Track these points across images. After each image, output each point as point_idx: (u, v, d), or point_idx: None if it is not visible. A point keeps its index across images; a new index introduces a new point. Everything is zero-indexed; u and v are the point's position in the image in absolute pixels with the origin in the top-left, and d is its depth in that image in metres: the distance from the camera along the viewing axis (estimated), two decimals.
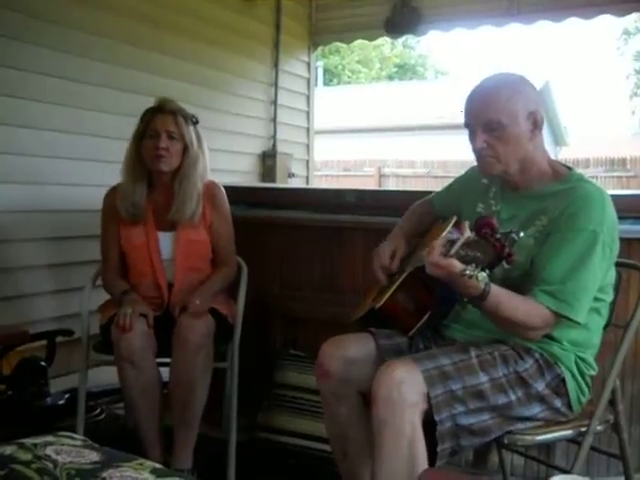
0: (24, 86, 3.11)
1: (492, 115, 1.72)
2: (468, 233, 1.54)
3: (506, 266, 1.57)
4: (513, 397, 1.70)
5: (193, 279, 2.48)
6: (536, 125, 1.74)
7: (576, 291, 1.66)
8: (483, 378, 1.68)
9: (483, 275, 1.52)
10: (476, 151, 1.77)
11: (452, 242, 1.55)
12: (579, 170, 1.86)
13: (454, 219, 1.82)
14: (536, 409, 1.73)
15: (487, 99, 1.75)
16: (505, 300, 1.64)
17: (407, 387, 1.60)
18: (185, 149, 2.45)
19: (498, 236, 1.51)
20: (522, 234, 1.61)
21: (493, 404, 1.67)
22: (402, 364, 1.65)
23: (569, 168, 1.83)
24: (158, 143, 2.40)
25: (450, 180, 2.13)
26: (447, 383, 1.63)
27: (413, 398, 1.60)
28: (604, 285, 1.78)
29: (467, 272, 1.51)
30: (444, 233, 1.67)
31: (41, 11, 3.17)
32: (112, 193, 2.52)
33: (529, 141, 1.75)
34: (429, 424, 1.61)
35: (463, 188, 2.01)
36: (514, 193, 1.83)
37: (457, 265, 1.53)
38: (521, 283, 1.71)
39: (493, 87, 1.77)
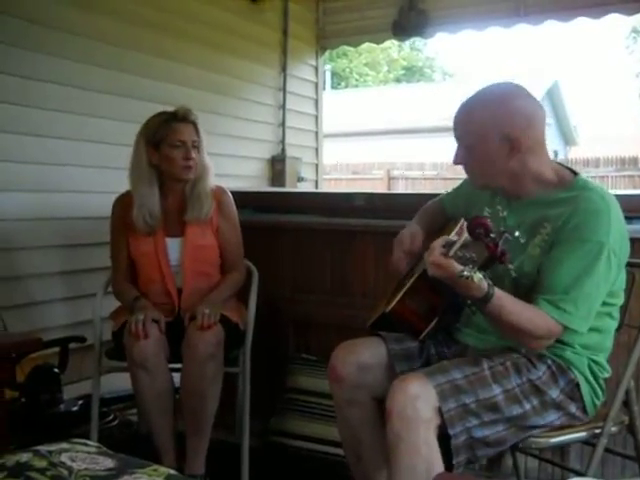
0: (26, 93, 3.11)
1: (463, 135, 1.77)
2: (465, 234, 1.55)
3: (500, 265, 1.58)
4: (528, 407, 1.68)
5: (202, 284, 2.48)
6: (514, 147, 1.71)
7: (578, 301, 1.64)
8: (497, 390, 1.67)
9: (479, 276, 1.53)
10: (455, 164, 1.83)
11: (452, 243, 1.55)
12: (588, 170, 1.86)
13: (462, 221, 1.82)
14: (552, 416, 1.72)
15: (463, 118, 1.78)
16: (508, 304, 1.63)
17: (421, 403, 1.59)
18: (200, 155, 2.47)
19: (492, 236, 1.51)
20: (517, 233, 1.62)
21: (508, 415, 1.66)
22: (415, 379, 1.63)
23: (575, 173, 1.81)
24: (189, 154, 2.40)
25: (460, 181, 2.12)
26: (460, 397, 1.62)
27: (427, 414, 1.59)
28: (615, 290, 1.76)
29: (464, 273, 1.52)
30: (451, 234, 1.67)
31: (42, 17, 3.17)
32: (121, 200, 2.52)
33: (508, 160, 1.73)
34: (444, 437, 1.60)
35: (471, 189, 2.00)
36: (518, 200, 1.81)
37: (456, 266, 1.53)
38: (530, 293, 1.69)
39: (471, 106, 1.77)
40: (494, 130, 1.71)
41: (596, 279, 1.65)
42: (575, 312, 1.64)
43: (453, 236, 1.61)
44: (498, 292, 1.60)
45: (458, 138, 1.79)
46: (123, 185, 2.52)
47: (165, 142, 2.41)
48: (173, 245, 2.49)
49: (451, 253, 1.53)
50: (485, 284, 1.57)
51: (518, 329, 1.65)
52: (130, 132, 2.51)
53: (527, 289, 1.71)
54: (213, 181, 2.53)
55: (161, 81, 3.80)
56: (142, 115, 2.53)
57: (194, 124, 2.45)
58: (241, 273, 2.57)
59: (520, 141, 1.70)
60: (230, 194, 2.58)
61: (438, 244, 1.58)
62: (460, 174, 1.89)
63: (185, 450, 2.32)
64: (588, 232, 1.65)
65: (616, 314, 1.81)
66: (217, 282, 2.52)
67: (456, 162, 1.81)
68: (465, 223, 1.75)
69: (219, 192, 2.54)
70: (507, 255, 1.53)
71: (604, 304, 1.73)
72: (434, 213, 2.12)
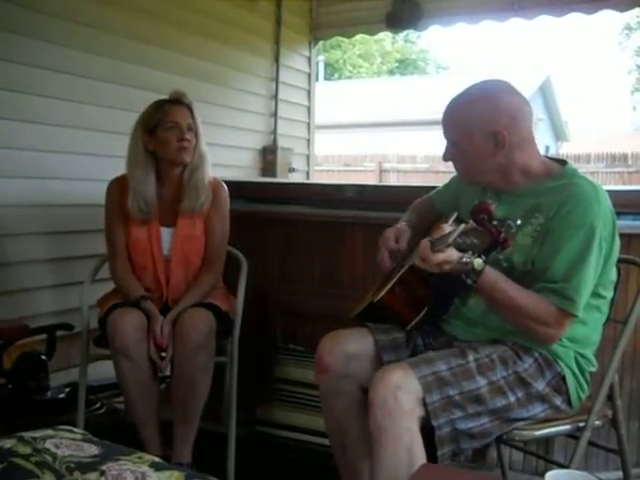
0: (27, 81, 3.10)
1: (450, 132, 1.80)
2: (463, 224, 1.57)
3: (501, 252, 1.61)
4: (512, 398, 1.69)
5: (189, 275, 2.48)
6: (499, 144, 1.73)
7: (578, 287, 1.66)
8: (481, 382, 1.68)
9: (479, 262, 1.56)
10: (445, 161, 1.86)
11: (449, 233, 1.57)
12: (578, 165, 1.87)
13: (454, 215, 1.84)
14: (537, 409, 1.73)
15: (449, 116, 1.81)
16: (502, 280, 1.66)
17: (403, 393, 1.60)
18: (196, 142, 2.45)
19: (495, 222, 1.53)
20: (519, 221, 1.62)
21: (492, 407, 1.67)
22: (398, 369, 1.64)
23: (564, 163, 1.83)
24: (182, 135, 2.39)
25: (451, 176, 2.13)
26: (444, 389, 1.63)
27: (409, 404, 1.59)
28: (605, 282, 1.78)
29: (464, 259, 1.55)
30: (446, 228, 1.69)
31: (44, 6, 3.16)
32: (117, 183, 2.49)
33: (495, 156, 1.75)
34: (429, 429, 1.61)
35: (460, 184, 2.02)
36: (508, 192, 1.82)
37: (454, 254, 1.56)
38: (522, 283, 1.70)
39: (457, 104, 1.80)
40: (479, 128, 1.73)
41: (592, 263, 1.67)
42: (577, 299, 1.66)
43: (446, 227, 1.63)
44: (490, 270, 1.63)
45: (446, 135, 1.82)
46: (119, 173, 2.50)
47: (160, 126, 2.40)
48: (166, 234, 2.48)
49: (450, 240, 1.55)
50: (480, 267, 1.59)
51: (515, 307, 1.67)
52: (127, 120, 2.51)
53: (519, 279, 1.72)
54: (210, 171, 2.52)
55: (157, 70, 3.79)
56: (138, 103, 2.52)
57: (188, 107, 2.45)
58: (215, 273, 2.52)
59: (505, 138, 1.72)
60: (226, 188, 2.56)
61: (426, 243, 1.61)
62: (452, 167, 1.91)
63: (172, 438, 2.33)
64: (580, 218, 1.66)
65: (605, 308, 1.83)
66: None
67: (445, 159, 1.85)
68: (457, 215, 1.78)
69: (216, 184, 2.53)
70: (510, 242, 1.55)
71: (595, 296, 1.75)
72: (423, 210, 2.14)
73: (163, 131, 2.40)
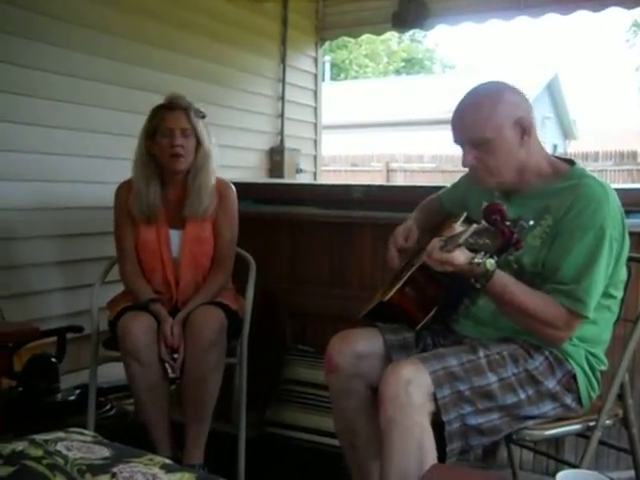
0: (31, 83, 3.11)
1: (476, 132, 1.73)
2: (475, 224, 1.56)
3: (514, 253, 1.59)
4: (523, 396, 1.69)
5: (198, 277, 2.48)
6: (525, 131, 1.72)
7: (589, 289, 1.66)
8: (492, 378, 1.67)
9: (491, 262, 1.54)
10: (468, 167, 1.79)
11: (460, 233, 1.56)
12: (587, 163, 1.86)
13: (464, 215, 1.83)
14: (547, 407, 1.73)
15: (469, 117, 1.75)
16: (511, 283, 1.65)
17: (414, 388, 1.60)
18: (198, 144, 2.44)
19: (507, 223, 1.52)
20: (531, 222, 1.61)
21: (502, 404, 1.67)
22: (409, 364, 1.64)
23: (571, 163, 1.82)
24: (173, 141, 2.38)
25: (458, 175, 2.13)
26: (455, 384, 1.63)
27: (420, 399, 1.59)
28: (616, 281, 1.77)
29: (476, 260, 1.53)
30: (455, 226, 1.68)
31: (47, 8, 3.17)
32: (124, 187, 2.50)
33: (520, 149, 1.74)
34: (438, 424, 1.61)
35: (469, 185, 2.00)
36: (517, 194, 1.81)
37: (464, 255, 1.54)
38: (532, 285, 1.70)
39: (473, 104, 1.76)
40: (507, 117, 1.71)
41: (602, 264, 1.66)
42: (588, 300, 1.65)
43: (458, 227, 1.62)
44: (500, 273, 1.62)
45: (466, 137, 1.76)
46: (125, 175, 2.51)
47: (158, 132, 2.42)
48: (175, 237, 2.48)
49: (461, 240, 1.54)
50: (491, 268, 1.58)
51: (524, 310, 1.66)
52: (131, 122, 2.51)
53: (529, 281, 1.71)
54: (217, 171, 2.50)
55: (162, 71, 3.79)
56: (142, 105, 2.52)
57: (184, 111, 2.43)
58: (225, 274, 2.52)
59: (528, 122, 1.72)
60: (234, 189, 2.55)
61: (436, 242, 1.59)
62: (459, 166, 1.88)
63: (183, 439, 2.33)
64: (590, 219, 1.65)
65: (615, 308, 1.82)
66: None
67: (467, 164, 1.78)
68: (466, 215, 1.77)
69: (223, 186, 2.52)
70: (522, 242, 1.54)
71: (605, 296, 1.74)
72: (432, 209, 2.14)
73: (160, 137, 2.41)
